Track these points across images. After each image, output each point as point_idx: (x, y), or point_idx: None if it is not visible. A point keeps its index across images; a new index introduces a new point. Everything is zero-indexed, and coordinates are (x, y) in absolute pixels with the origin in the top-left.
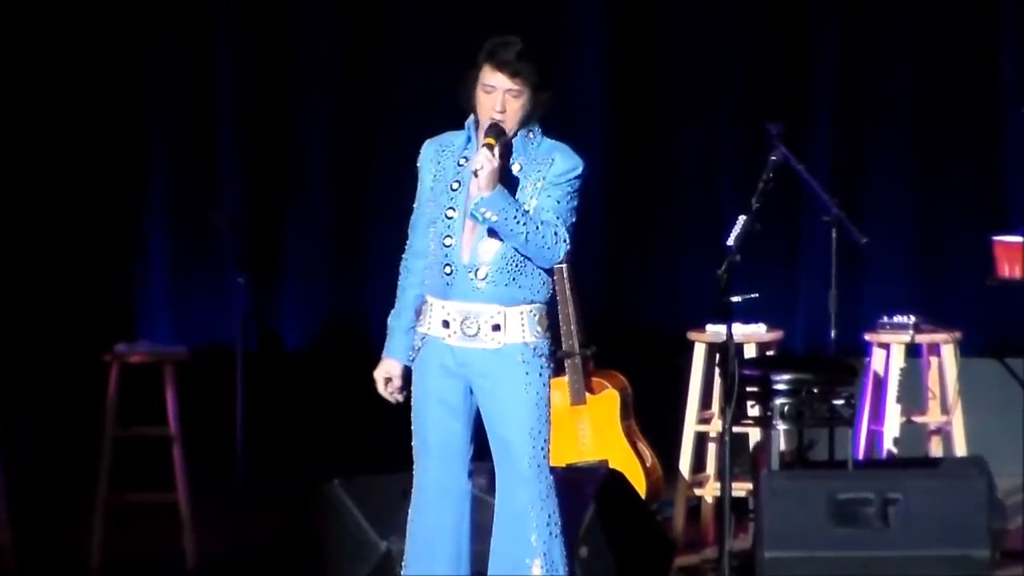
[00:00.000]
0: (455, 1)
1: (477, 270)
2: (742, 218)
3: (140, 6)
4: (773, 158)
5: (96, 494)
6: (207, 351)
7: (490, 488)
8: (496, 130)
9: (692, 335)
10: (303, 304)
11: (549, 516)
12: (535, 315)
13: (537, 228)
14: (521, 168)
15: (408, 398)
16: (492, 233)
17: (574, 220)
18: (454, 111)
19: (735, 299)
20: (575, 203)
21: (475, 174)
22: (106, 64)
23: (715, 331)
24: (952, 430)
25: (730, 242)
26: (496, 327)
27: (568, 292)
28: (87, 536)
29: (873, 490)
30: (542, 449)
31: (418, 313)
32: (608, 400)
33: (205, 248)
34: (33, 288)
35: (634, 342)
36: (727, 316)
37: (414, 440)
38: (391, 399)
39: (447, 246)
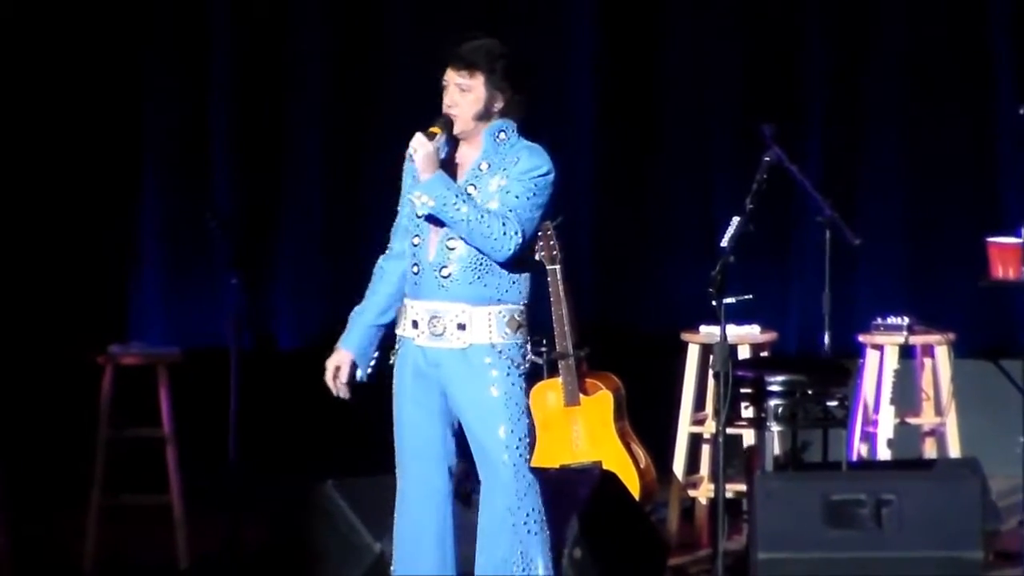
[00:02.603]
0: (449, 5)
1: (442, 268)
2: (736, 219)
3: (136, 9)
4: (767, 159)
5: (90, 495)
6: (200, 352)
7: (477, 489)
8: (443, 120)
9: (686, 336)
10: (297, 304)
11: (527, 515)
12: (504, 316)
13: (482, 217)
14: (489, 167)
15: (353, 396)
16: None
17: (535, 218)
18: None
19: (729, 300)
20: (538, 202)
21: (411, 158)
22: (101, 66)
23: (709, 332)
24: (946, 431)
25: (724, 243)
26: (461, 326)
27: (562, 293)
28: (81, 537)
29: (867, 491)
30: (517, 448)
31: (398, 316)
32: (602, 401)
33: (198, 248)
34: (26, 290)
35: (628, 343)
36: (721, 317)
37: (395, 443)
38: (334, 389)
39: (415, 245)
